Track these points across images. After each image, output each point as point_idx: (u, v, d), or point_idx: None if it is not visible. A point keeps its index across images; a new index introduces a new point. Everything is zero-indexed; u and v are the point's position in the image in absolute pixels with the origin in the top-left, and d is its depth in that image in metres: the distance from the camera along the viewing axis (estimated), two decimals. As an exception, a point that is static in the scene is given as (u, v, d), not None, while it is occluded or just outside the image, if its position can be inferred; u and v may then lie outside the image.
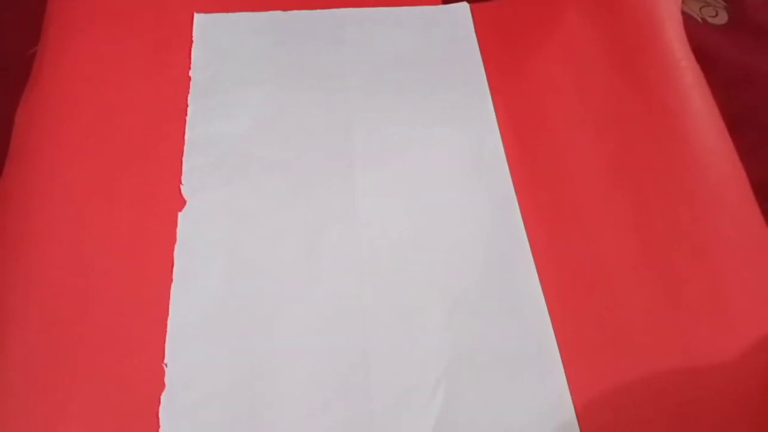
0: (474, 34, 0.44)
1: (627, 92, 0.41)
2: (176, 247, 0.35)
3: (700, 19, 0.58)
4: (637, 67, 0.42)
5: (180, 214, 0.36)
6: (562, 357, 0.34)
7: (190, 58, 0.42)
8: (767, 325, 0.35)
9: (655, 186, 0.39)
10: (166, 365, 0.32)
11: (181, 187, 0.37)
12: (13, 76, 0.41)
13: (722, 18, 0.57)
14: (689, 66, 0.43)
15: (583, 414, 0.32)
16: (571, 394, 0.33)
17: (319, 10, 0.44)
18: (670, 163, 0.40)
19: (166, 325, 0.33)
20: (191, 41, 0.42)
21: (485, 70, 0.43)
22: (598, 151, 0.39)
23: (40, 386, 0.31)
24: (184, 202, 0.37)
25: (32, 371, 0.32)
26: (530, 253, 0.36)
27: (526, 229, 0.37)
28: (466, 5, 0.45)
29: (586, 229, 0.37)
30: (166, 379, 0.32)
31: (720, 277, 0.36)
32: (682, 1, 0.44)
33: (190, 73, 0.41)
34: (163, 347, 0.33)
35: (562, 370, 0.33)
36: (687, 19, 0.46)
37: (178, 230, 0.36)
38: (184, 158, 0.38)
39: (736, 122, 0.41)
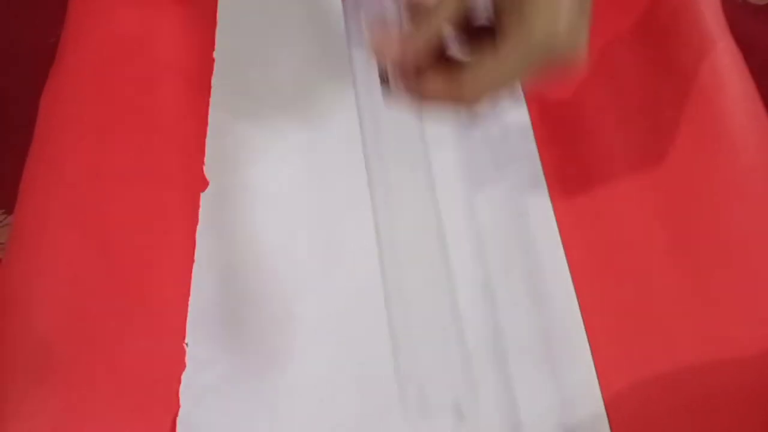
0: None
1: (660, 75, 0.40)
2: (198, 228, 0.35)
3: (740, 0, 0.56)
4: (671, 48, 0.40)
5: (203, 195, 0.36)
6: (590, 345, 0.33)
7: (214, 39, 0.41)
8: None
9: (688, 172, 0.38)
10: (187, 345, 0.32)
11: (204, 167, 0.37)
12: (36, 63, 0.42)
13: (762, -2, 0.56)
14: (727, 48, 0.41)
15: (611, 403, 0.31)
16: (599, 383, 0.32)
17: None
18: (703, 149, 0.38)
19: (187, 305, 0.33)
20: (216, 22, 0.42)
21: None
22: (628, 135, 0.37)
23: (60, 366, 0.32)
24: (207, 182, 0.37)
25: (53, 349, 0.32)
26: (559, 239, 0.35)
27: (554, 215, 0.36)
28: None
29: (616, 215, 0.36)
30: (187, 359, 0.32)
31: (750, 267, 0.35)
32: (720, -19, 0.42)
33: (214, 54, 0.41)
34: (185, 327, 0.33)
35: (591, 358, 0.32)
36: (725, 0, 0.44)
37: (201, 211, 0.36)
38: (207, 139, 0.38)
39: (775, 106, 0.40)
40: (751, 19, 0.53)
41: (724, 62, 0.41)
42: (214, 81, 0.40)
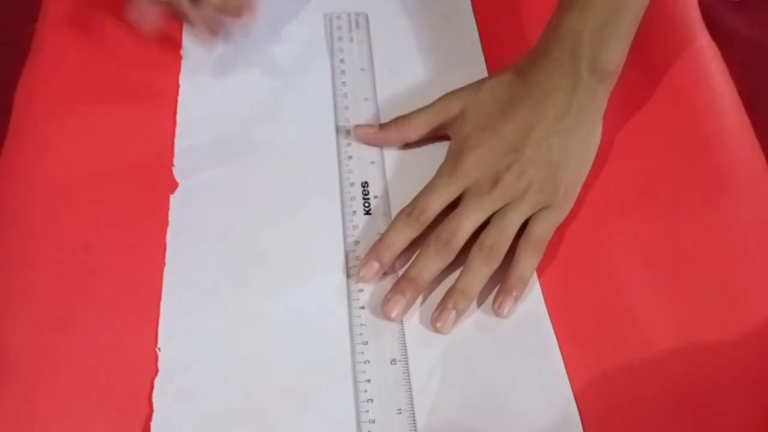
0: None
1: (636, 71, 0.40)
2: (168, 230, 0.35)
3: None
4: (647, 44, 0.40)
5: (172, 197, 0.36)
6: (558, 339, 0.32)
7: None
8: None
9: (664, 166, 0.38)
10: (159, 350, 0.31)
11: (173, 168, 0.37)
12: (12, 53, 0.41)
13: (738, -6, 0.56)
14: (704, 44, 0.42)
15: (581, 394, 0.31)
16: (569, 375, 0.31)
17: None
18: (680, 143, 0.38)
19: (159, 309, 0.32)
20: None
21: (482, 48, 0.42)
22: (603, 132, 0.37)
23: (30, 369, 0.31)
24: (177, 184, 0.36)
25: (22, 353, 0.31)
26: None
27: None
28: None
29: (588, 212, 0.36)
30: (159, 364, 0.31)
31: (730, 257, 0.35)
32: (697, -23, 0.42)
33: (181, 52, 0.40)
34: (156, 332, 0.32)
35: (558, 351, 0.32)
36: (701, -5, 0.44)
37: (170, 213, 0.35)
38: (175, 139, 0.37)
39: (754, 100, 0.40)
40: (729, 14, 0.53)
41: (701, 59, 0.41)
42: (181, 79, 0.40)
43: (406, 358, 0.32)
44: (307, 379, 0.31)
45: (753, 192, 0.37)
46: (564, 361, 0.32)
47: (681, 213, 0.36)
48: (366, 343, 0.32)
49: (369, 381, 0.31)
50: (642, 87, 0.40)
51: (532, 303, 0.34)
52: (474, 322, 0.33)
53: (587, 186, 0.36)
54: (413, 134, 0.38)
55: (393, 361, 0.32)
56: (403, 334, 0.33)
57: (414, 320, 0.33)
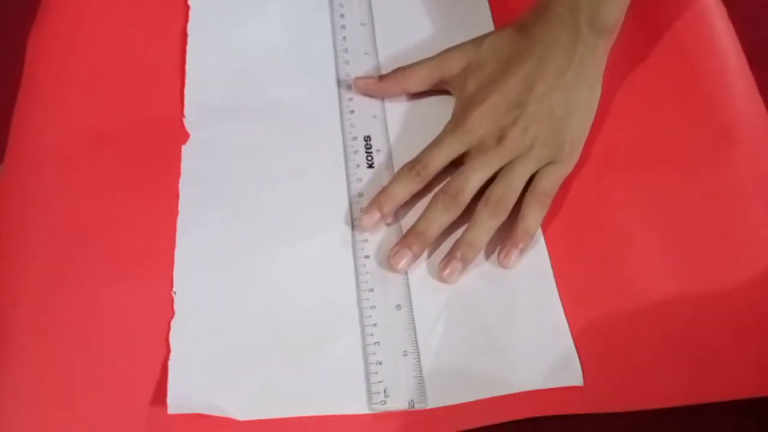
0: None
1: (641, 28, 0.40)
2: (181, 179, 0.36)
3: None
4: (651, 3, 0.40)
5: (184, 147, 0.37)
6: (559, 289, 0.34)
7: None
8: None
9: (667, 122, 0.38)
10: (175, 293, 0.33)
11: (184, 120, 0.37)
12: (23, 4, 0.42)
13: (746, -49, 0.56)
14: (710, 1, 0.41)
15: (580, 341, 0.32)
16: (569, 324, 0.33)
17: None
18: (683, 99, 0.39)
19: (173, 255, 0.34)
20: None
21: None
22: (606, 88, 0.38)
23: (53, 317, 0.32)
24: (188, 135, 0.37)
25: (47, 294, 0.33)
26: None
27: None
28: None
29: (591, 167, 0.37)
30: (175, 307, 0.32)
31: (730, 211, 0.35)
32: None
33: (189, 1, 0.41)
34: (172, 276, 0.33)
35: (559, 301, 0.33)
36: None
37: (182, 163, 0.36)
38: (185, 91, 0.38)
39: (759, 57, 0.40)
40: None
41: (706, 16, 0.41)
42: (189, 29, 0.40)
43: (411, 303, 0.33)
44: (316, 324, 0.32)
45: (755, 147, 0.37)
46: (564, 310, 0.33)
47: (683, 168, 0.37)
48: (372, 290, 0.33)
49: (375, 325, 0.32)
50: (647, 44, 0.40)
51: (535, 254, 0.34)
52: (479, 271, 0.34)
53: (591, 141, 0.37)
54: (413, 86, 0.38)
55: (398, 307, 0.33)
56: (407, 282, 0.34)
57: (419, 270, 0.34)
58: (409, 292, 0.33)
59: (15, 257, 0.34)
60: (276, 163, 0.37)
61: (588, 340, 0.32)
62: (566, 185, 0.36)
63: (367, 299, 0.33)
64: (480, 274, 0.34)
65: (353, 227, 0.35)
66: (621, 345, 0.32)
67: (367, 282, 0.34)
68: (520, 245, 0.34)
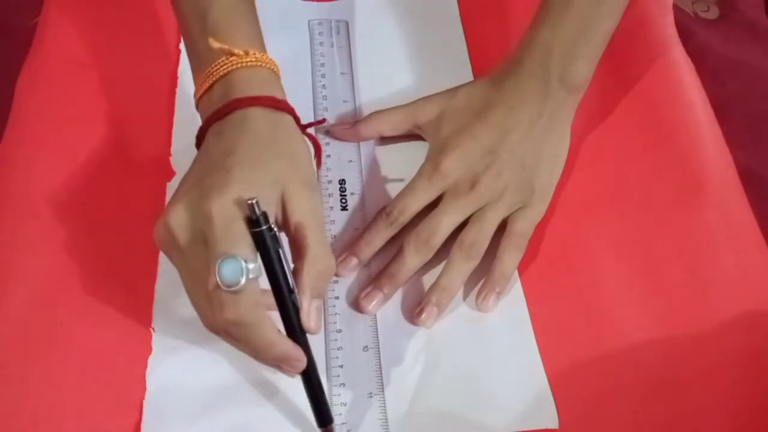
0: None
1: (613, 82, 0.42)
2: None
3: (692, 14, 0.59)
4: (624, 57, 0.42)
5: (169, 185, 0.38)
6: (534, 330, 0.34)
7: None
8: (744, 304, 0.35)
9: (638, 171, 0.39)
10: (153, 330, 0.34)
11: (170, 158, 0.39)
12: (14, 45, 0.43)
13: (713, 13, 0.59)
14: (679, 57, 0.43)
15: (556, 383, 0.33)
16: (544, 365, 0.33)
17: None
18: (654, 149, 0.40)
19: (153, 291, 0.35)
20: None
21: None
22: (580, 137, 0.39)
23: (27, 352, 0.32)
24: (174, 173, 0.38)
25: (20, 330, 0.33)
26: None
27: None
28: None
29: (567, 213, 0.38)
30: (153, 343, 0.33)
31: (700, 257, 0.36)
32: (675, -4, 0.44)
33: (180, 46, 0.42)
34: (151, 314, 0.34)
35: (535, 342, 0.34)
36: (678, 12, 0.46)
37: (167, 200, 0.36)
38: (173, 129, 0.39)
39: (725, 111, 0.41)
40: (702, 31, 0.55)
41: (676, 73, 0.42)
42: (180, 71, 0.42)
43: (378, 345, 0.34)
44: None
45: (722, 196, 0.38)
46: (540, 353, 0.34)
47: (654, 214, 0.38)
48: (339, 331, 0.34)
49: (342, 366, 0.33)
50: (618, 97, 0.42)
51: (511, 297, 0.35)
52: (454, 314, 0.35)
53: (565, 187, 0.38)
54: (387, 129, 0.40)
55: (365, 348, 0.34)
56: (376, 323, 0.35)
57: (388, 311, 0.35)
58: (377, 334, 0.34)
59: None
60: None
61: (563, 382, 0.33)
62: (542, 231, 0.37)
63: (335, 340, 0.34)
64: (456, 317, 0.35)
65: None
66: (596, 387, 0.33)
67: (335, 323, 0.34)
68: (497, 289, 0.35)
